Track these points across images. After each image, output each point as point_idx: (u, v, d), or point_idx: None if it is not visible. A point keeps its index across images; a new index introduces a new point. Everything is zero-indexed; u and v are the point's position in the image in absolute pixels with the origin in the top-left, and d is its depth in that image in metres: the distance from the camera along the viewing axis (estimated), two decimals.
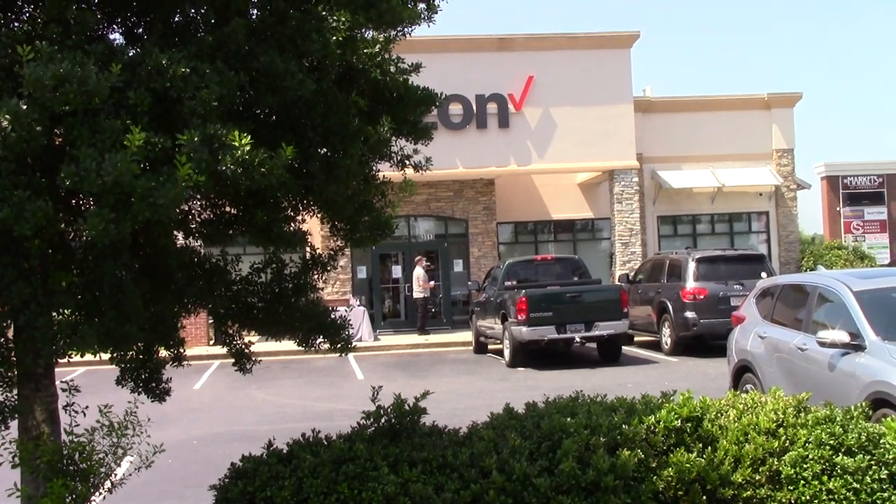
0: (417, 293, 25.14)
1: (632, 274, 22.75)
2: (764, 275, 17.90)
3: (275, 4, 4.99)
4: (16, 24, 4.62)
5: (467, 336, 22.56)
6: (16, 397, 5.02)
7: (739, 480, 5.49)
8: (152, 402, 5.79)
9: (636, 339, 21.75)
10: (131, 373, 5.61)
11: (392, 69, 5.82)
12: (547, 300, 18.04)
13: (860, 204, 29.78)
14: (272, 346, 9.07)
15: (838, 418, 5.80)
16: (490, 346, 21.14)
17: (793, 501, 5.44)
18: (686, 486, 5.40)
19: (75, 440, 5.27)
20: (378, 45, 5.73)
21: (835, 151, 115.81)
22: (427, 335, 24.44)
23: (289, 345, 6.29)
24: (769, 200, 28.74)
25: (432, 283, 25.59)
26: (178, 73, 4.26)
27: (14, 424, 5.11)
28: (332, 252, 6.06)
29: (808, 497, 5.40)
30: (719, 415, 5.94)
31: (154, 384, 5.73)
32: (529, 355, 18.63)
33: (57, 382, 5.26)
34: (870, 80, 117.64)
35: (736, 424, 5.78)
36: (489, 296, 20.27)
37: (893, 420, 5.88)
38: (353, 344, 6.12)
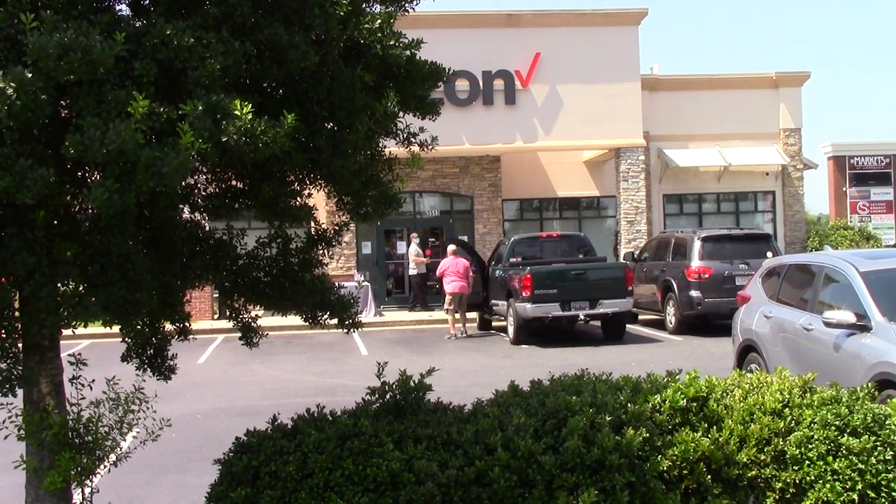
0: (412, 270, 25.14)
1: (637, 252, 22.71)
2: (769, 254, 17.88)
3: None
4: None
5: (471, 313, 22.53)
6: (21, 369, 5.00)
7: (744, 460, 5.48)
8: (157, 379, 5.78)
9: (640, 317, 21.75)
10: (137, 349, 5.59)
11: (394, 44, 5.74)
12: (552, 277, 18.01)
13: (866, 184, 29.66)
14: (276, 321, 9.05)
15: (844, 399, 5.77)
16: (494, 324, 21.14)
17: (797, 481, 5.43)
18: (691, 466, 5.39)
19: (81, 413, 5.26)
20: (379, 21, 5.65)
21: (842, 131, 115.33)
22: (419, 312, 24.42)
23: (292, 320, 6.26)
24: (775, 180, 28.65)
25: (426, 259, 25.34)
26: (183, 44, 4.23)
27: (19, 397, 5.10)
28: (337, 227, 6.03)
29: (812, 477, 5.39)
30: (725, 394, 5.91)
31: (159, 361, 5.69)
32: (533, 332, 18.63)
33: (63, 355, 5.25)
34: (879, 61, 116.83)
35: (741, 404, 5.76)
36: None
37: None
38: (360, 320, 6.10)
